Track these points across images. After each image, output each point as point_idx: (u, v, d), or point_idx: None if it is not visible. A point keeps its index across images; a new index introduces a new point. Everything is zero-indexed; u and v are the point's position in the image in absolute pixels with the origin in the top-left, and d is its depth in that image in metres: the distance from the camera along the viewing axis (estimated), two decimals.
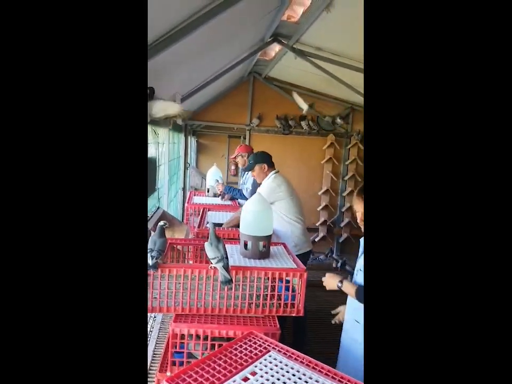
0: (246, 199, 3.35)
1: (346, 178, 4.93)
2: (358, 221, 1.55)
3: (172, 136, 3.63)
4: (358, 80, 3.15)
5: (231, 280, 1.44)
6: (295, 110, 4.70)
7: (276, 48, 3.43)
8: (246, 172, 3.68)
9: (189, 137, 4.73)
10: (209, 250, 1.50)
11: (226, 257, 1.48)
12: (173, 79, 2.20)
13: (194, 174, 5.53)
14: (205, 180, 4.57)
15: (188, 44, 1.52)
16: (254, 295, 1.54)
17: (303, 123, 4.72)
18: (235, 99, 4.67)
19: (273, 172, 2.64)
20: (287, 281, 1.58)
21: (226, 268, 1.45)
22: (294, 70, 3.84)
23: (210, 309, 1.53)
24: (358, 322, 1.55)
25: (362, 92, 3.30)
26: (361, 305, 1.53)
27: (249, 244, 1.66)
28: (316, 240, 4.96)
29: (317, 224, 4.97)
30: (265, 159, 2.66)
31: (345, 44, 2.85)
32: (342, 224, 5.02)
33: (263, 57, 3.86)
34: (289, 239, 2.40)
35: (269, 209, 1.71)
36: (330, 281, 1.64)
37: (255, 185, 3.45)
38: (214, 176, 3.36)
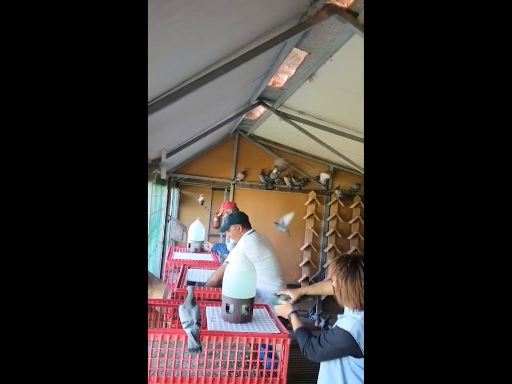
0: (229, 252, 3.32)
1: (327, 234, 4.97)
2: (335, 292, 1.45)
3: (154, 190, 3.62)
4: (339, 142, 3.30)
5: (200, 348, 1.38)
6: None
7: (261, 109, 3.60)
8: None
9: (172, 189, 4.74)
10: (181, 313, 1.45)
11: (198, 323, 1.42)
12: (160, 137, 2.25)
13: (175, 226, 5.46)
14: (186, 232, 4.51)
15: (176, 106, 1.58)
16: (235, 362, 1.47)
17: (285, 179, 4.83)
18: (220, 154, 4.78)
19: (248, 232, 2.59)
20: (270, 347, 1.52)
21: (196, 334, 1.39)
22: (278, 130, 4.00)
23: (187, 378, 1.44)
24: None
25: (343, 154, 3.45)
26: (325, 378, 1.47)
27: (231, 307, 1.61)
28: None
29: (299, 281, 4.90)
30: (239, 220, 2.63)
31: (326, 109, 3.02)
32: (324, 281, 4.96)
33: (249, 117, 4.03)
34: (265, 300, 2.34)
35: (253, 270, 1.68)
36: (284, 310, 1.66)
37: None
38: (196, 231, 3.32)
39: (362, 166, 3.58)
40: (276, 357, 1.51)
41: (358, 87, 2.34)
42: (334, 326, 1.42)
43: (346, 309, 1.48)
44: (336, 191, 4.89)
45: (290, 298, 1.76)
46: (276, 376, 1.49)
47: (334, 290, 1.47)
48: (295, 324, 1.60)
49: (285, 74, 2.57)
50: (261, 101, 3.08)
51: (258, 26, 1.50)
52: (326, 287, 1.81)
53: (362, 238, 4.95)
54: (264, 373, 1.48)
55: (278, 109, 3.10)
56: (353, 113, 2.89)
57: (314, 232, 4.91)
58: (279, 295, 1.76)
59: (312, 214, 4.88)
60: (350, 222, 4.97)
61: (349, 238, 4.97)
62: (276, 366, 1.49)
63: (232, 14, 1.27)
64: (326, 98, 2.77)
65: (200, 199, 4.84)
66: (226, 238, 3.85)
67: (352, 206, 4.96)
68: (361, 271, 1.39)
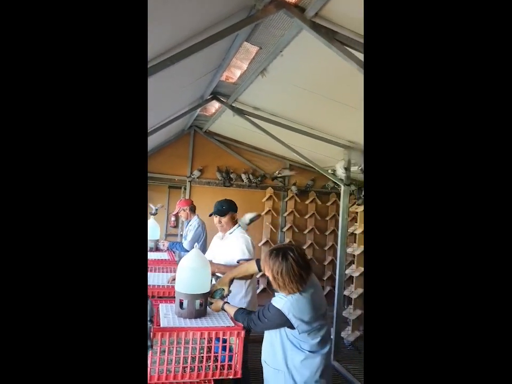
0: (186, 251, 3.27)
1: (284, 229, 5.05)
2: (273, 283, 1.51)
3: None
4: (293, 139, 3.35)
5: (151, 346, 1.36)
6: (235, 164, 4.84)
7: (215, 105, 3.57)
8: (189, 224, 3.63)
9: None
10: None
11: (150, 321, 1.39)
12: None
13: None
14: None
15: None
16: (189, 358, 1.45)
17: (243, 176, 4.84)
18: (175, 151, 4.69)
19: (238, 225, 2.45)
20: (224, 341, 1.52)
21: (148, 332, 1.36)
22: (233, 126, 3.99)
23: None
24: (266, 363, 1.61)
25: (297, 150, 3.51)
26: (268, 348, 1.60)
27: (185, 303, 1.59)
28: (257, 292, 4.89)
29: (257, 276, 4.93)
30: (236, 210, 2.44)
31: (279, 105, 3.06)
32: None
33: (204, 112, 3.99)
34: (243, 299, 2.30)
35: (206, 265, 1.67)
36: (216, 306, 1.71)
37: (195, 239, 3.42)
38: (151, 229, 3.24)
39: (316, 163, 3.67)
40: (231, 350, 1.51)
41: (309, 82, 2.40)
42: (269, 304, 1.53)
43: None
44: (293, 187, 4.98)
45: (224, 290, 1.79)
46: (231, 369, 1.49)
47: (271, 282, 1.53)
48: (231, 309, 1.65)
49: (238, 69, 2.56)
50: (215, 96, 3.05)
51: (206, 17, 1.49)
52: (250, 268, 1.90)
53: (318, 232, 5.08)
54: (218, 366, 1.48)
55: (233, 105, 3.10)
56: (304, 109, 2.95)
57: (272, 227, 4.97)
58: (214, 293, 1.76)
59: (269, 210, 4.94)
60: (306, 217, 5.08)
61: (305, 232, 5.08)
62: (230, 359, 1.50)
63: (177, 3, 1.25)
64: (279, 94, 2.80)
65: (153, 208, 4.10)
66: (183, 235, 3.78)
67: (307, 202, 5.07)
68: (293, 260, 1.45)
